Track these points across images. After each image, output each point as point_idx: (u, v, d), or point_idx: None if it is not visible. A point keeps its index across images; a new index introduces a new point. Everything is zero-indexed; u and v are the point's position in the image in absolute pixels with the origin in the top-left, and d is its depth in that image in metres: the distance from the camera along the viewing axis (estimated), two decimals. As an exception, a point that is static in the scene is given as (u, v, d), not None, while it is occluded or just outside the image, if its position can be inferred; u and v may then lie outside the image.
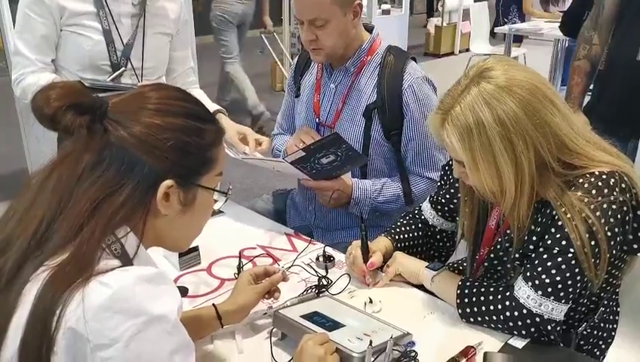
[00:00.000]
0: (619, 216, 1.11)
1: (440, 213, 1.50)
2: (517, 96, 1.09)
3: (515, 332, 1.17)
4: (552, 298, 1.12)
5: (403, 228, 1.51)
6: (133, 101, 0.85)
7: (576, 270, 1.11)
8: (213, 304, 1.19)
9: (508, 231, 1.25)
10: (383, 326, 1.19)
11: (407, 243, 1.49)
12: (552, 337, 1.15)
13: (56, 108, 0.78)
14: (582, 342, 1.29)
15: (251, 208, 1.89)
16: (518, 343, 1.17)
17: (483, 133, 1.10)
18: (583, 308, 1.26)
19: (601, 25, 2.13)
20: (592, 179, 1.12)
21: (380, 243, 1.45)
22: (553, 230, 1.13)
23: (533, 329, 1.15)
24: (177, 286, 0.99)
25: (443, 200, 1.49)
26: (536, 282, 1.13)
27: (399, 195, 1.75)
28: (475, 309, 1.21)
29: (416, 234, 1.51)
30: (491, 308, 1.19)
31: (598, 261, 1.11)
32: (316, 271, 1.45)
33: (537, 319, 1.13)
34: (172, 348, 0.76)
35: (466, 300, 1.22)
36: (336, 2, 1.58)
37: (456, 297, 1.24)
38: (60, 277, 0.73)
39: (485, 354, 1.10)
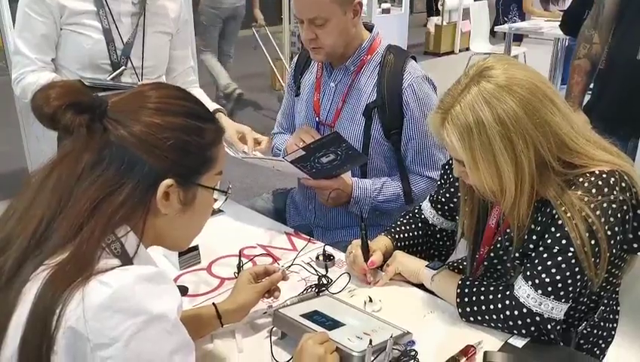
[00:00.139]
0: (619, 215, 1.11)
1: (440, 212, 1.50)
2: (517, 96, 1.09)
3: (515, 332, 1.17)
4: (552, 297, 1.12)
5: (403, 227, 1.51)
6: (133, 100, 0.85)
7: (576, 269, 1.11)
8: (213, 303, 1.19)
9: (508, 231, 1.25)
10: (382, 325, 1.19)
11: (407, 243, 1.49)
12: (552, 336, 1.15)
13: (55, 108, 0.78)
14: (582, 341, 1.29)
15: (251, 207, 1.89)
16: (518, 342, 1.17)
17: (483, 132, 1.09)
18: (583, 307, 1.26)
19: (601, 24, 2.13)
20: (592, 178, 1.12)
21: (380, 243, 1.45)
22: (553, 229, 1.13)
23: (533, 328, 1.15)
24: (177, 286, 0.99)
25: (443, 200, 1.49)
26: (536, 281, 1.13)
27: (399, 194, 1.75)
28: (475, 308, 1.21)
29: (416, 233, 1.51)
30: (491, 307, 1.19)
31: (598, 260, 1.11)
32: (316, 270, 1.45)
33: (537, 318, 1.14)
34: (172, 347, 0.76)
35: (466, 299, 1.22)
36: (336, 1, 1.58)
37: (456, 296, 1.24)
38: (60, 276, 0.73)
39: (485, 353, 1.10)
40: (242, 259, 1.47)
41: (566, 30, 3.91)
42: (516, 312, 1.15)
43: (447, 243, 1.54)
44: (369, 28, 1.76)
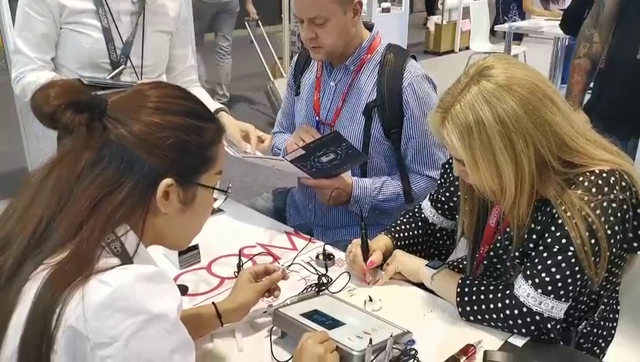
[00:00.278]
0: (619, 215, 1.11)
1: (440, 211, 1.50)
2: (517, 95, 1.09)
3: (515, 331, 1.17)
4: (552, 296, 1.12)
5: (403, 227, 1.51)
6: (133, 99, 0.85)
7: (576, 268, 1.11)
8: (213, 302, 1.19)
9: (508, 230, 1.25)
10: (382, 324, 1.19)
11: (407, 242, 1.49)
12: (552, 335, 1.15)
13: (55, 107, 0.78)
14: (582, 340, 1.29)
15: (251, 206, 1.89)
16: (518, 341, 1.17)
17: (483, 131, 1.09)
18: (583, 306, 1.26)
19: (601, 23, 2.13)
20: (592, 178, 1.12)
21: (380, 242, 1.45)
22: (553, 228, 1.13)
23: (533, 328, 1.15)
24: (177, 285, 0.99)
25: (443, 199, 1.49)
26: (536, 280, 1.13)
27: (399, 194, 1.75)
28: (475, 307, 1.21)
29: (416, 232, 1.51)
30: (491, 306, 1.19)
31: (597, 259, 1.11)
32: (316, 270, 1.45)
33: (537, 317, 1.14)
34: (172, 346, 0.75)
35: (466, 298, 1.22)
36: (336, 1, 1.57)
37: (456, 295, 1.24)
38: (60, 275, 0.73)
39: (485, 352, 1.10)
40: (242, 258, 1.47)
41: (566, 29, 3.91)
42: (516, 311, 1.15)
43: (447, 242, 1.54)
44: (369, 27, 1.76)
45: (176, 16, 1.99)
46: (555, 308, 1.13)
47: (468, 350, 1.11)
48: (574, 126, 1.14)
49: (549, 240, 1.14)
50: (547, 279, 1.12)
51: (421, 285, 1.37)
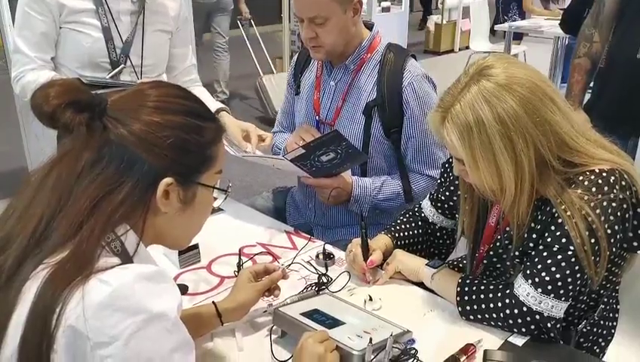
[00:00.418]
0: (619, 214, 1.11)
1: (440, 211, 1.50)
2: (517, 94, 1.09)
3: (515, 330, 1.17)
4: (552, 295, 1.12)
5: (403, 226, 1.51)
6: (133, 98, 0.85)
7: (576, 268, 1.11)
8: (213, 301, 1.19)
9: (507, 229, 1.25)
10: (383, 323, 1.19)
11: (407, 241, 1.49)
12: (552, 334, 1.15)
13: (55, 106, 0.78)
14: (582, 340, 1.29)
15: (251, 206, 1.89)
16: (518, 341, 1.17)
17: (483, 131, 1.09)
18: (583, 306, 1.26)
19: (601, 22, 2.13)
20: (592, 177, 1.12)
21: (380, 241, 1.45)
22: (553, 228, 1.13)
23: (533, 327, 1.15)
24: (177, 284, 0.99)
25: (443, 198, 1.49)
26: (536, 280, 1.13)
27: (399, 193, 1.75)
28: (475, 307, 1.21)
29: (416, 231, 1.51)
30: (491, 305, 1.19)
31: (597, 258, 1.11)
32: (316, 269, 1.45)
33: (537, 316, 1.14)
34: (172, 345, 0.76)
35: (466, 298, 1.22)
36: (336, 0, 1.57)
37: (456, 295, 1.24)
38: (60, 274, 0.73)
39: (485, 351, 1.10)
40: (242, 257, 1.47)
41: (566, 29, 3.91)
42: (516, 311, 1.15)
43: (447, 241, 1.54)
44: (369, 26, 1.76)
45: (176, 15, 1.99)
46: (554, 308, 1.13)
47: (468, 349, 1.11)
48: (574, 125, 1.14)
49: (548, 239, 1.14)
50: (547, 278, 1.12)
51: (421, 284, 1.37)
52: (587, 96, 2.26)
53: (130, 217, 0.81)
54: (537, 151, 1.10)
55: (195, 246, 1.48)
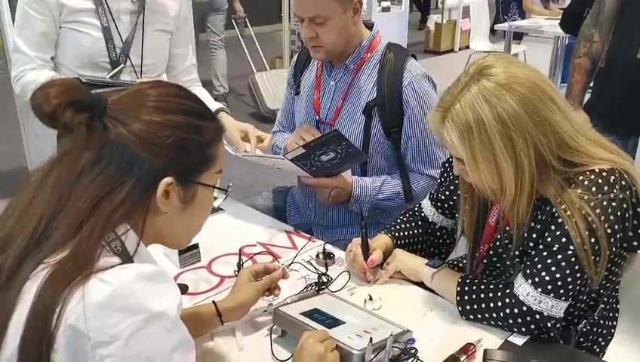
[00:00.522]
0: (619, 214, 1.11)
1: (440, 210, 1.50)
2: (517, 94, 1.09)
3: (515, 330, 1.18)
4: (552, 295, 1.12)
5: (403, 226, 1.51)
6: (133, 98, 0.85)
7: (576, 267, 1.11)
8: (213, 301, 1.19)
9: (507, 229, 1.25)
10: (383, 323, 1.19)
11: (407, 241, 1.49)
12: (552, 334, 1.15)
13: (55, 106, 0.78)
14: (581, 339, 1.30)
15: (251, 205, 1.89)
16: (518, 340, 1.17)
17: (483, 131, 1.09)
18: (583, 305, 1.26)
19: (601, 22, 2.13)
20: (592, 177, 1.12)
21: (380, 241, 1.46)
22: (553, 227, 1.13)
23: (532, 327, 1.15)
24: (177, 284, 0.99)
25: (443, 198, 1.49)
26: (536, 279, 1.13)
27: (399, 193, 1.75)
28: (475, 306, 1.21)
29: (416, 231, 1.51)
30: (491, 305, 1.19)
31: (597, 258, 1.11)
32: (316, 269, 1.45)
33: (537, 316, 1.14)
34: (172, 345, 0.76)
35: (466, 297, 1.22)
36: (336, 0, 1.57)
37: (456, 294, 1.24)
38: (60, 274, 0.73)
39: (485, 351, 1.10)
40: (242, 257, 1.47)
41: (566, 28, 3.90)
42: (516, 310, 1.15)
43: (447, 241, 1.54)
44: (369, 26, 1.76)
45: (176, 15, 2.00)
46: (554, 307, 1.13)
47: (468, 349, 1.11)
48: (574, 125, 1.14)
49: (548, 239, 1.14)
50: (547, 278, 1.12)
51: (421, 284, 1.37)
52: (587, 96, 2.26)
53: (131, 217, 0.81)
54: (537, 151, 1.11)
55: (195, 246, 1.48)
